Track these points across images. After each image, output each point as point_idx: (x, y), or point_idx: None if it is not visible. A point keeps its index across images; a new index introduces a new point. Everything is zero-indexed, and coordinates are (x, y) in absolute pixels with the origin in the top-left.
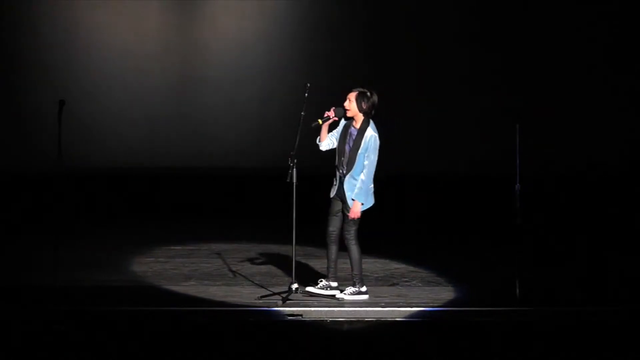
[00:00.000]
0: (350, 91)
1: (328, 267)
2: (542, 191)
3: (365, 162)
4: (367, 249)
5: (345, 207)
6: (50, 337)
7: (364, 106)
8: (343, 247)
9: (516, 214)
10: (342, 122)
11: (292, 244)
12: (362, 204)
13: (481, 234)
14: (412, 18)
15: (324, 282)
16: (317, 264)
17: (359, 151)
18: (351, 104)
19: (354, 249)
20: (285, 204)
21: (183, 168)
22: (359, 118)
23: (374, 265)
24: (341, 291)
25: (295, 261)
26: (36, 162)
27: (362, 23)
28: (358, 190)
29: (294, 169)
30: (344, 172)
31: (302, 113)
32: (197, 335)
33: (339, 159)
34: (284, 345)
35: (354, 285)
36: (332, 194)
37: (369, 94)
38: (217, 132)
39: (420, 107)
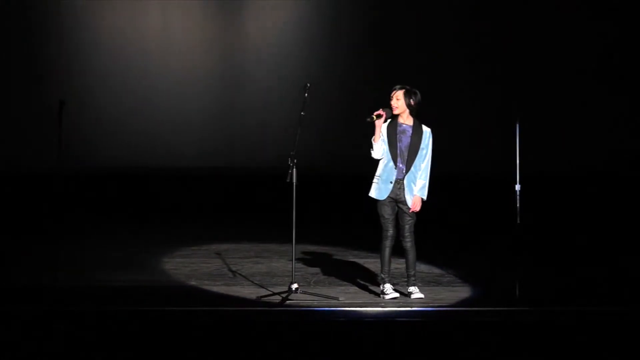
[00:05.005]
0: (394, 90)
1: (389, 270)
2: (542, 191)
3: (427, 158)
4: (367, 250)
5: (403, 206)
6: (50, 337)
7: (413, 102)
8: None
9: (516, 214)
10: (384, 126)
11: (292, 243)
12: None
13: (481, 234)
14: (413, 18)
15: (390, 286)
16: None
17: (420, 146)
18: (399, 102)
19: (414, 248)
20: (285, 203)
21: (183, 168)
22: (407, 115)
23: (375, 265)
24: (409, 293)
25: (296, 261)
26: (36, 162)
27: (363, 24)
28: (422, 188)
29: (294, 169)
30: (404, 171)
31: (302, 113)
32: (197, 335)
33: (394, 160)
34: (284, 345)
35: (414, 285)
36: (383, 196)
37: (414, 90)
38: (217, 131)
39: (420, 107)
